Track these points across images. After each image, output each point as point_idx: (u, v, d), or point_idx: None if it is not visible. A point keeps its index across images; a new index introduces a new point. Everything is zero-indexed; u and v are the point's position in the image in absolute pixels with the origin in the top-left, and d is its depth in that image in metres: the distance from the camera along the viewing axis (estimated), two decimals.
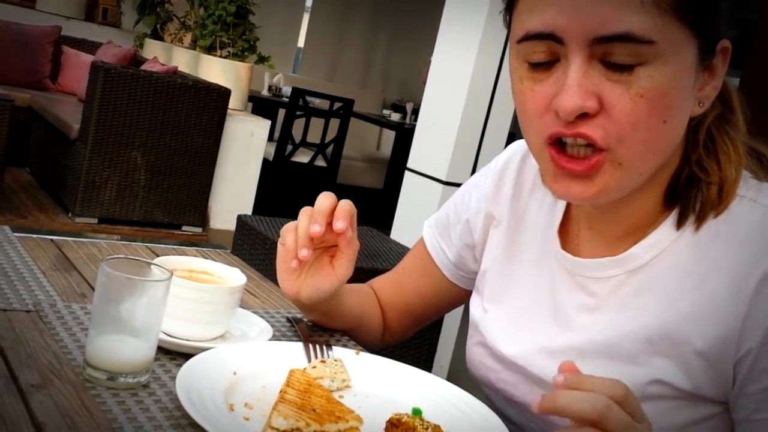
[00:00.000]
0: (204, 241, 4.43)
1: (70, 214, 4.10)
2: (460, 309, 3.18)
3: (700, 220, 0.81)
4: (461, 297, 1.12)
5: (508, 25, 0.81)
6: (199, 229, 4.43)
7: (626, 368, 0.82)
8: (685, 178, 0.83)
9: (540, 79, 0.76)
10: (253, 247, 2.58)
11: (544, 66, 0.76)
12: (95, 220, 4.10)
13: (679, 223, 0.82)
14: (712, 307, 0.78)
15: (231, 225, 3.24)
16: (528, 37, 0.75)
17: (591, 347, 0.86)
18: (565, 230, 0.93)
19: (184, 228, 4.38)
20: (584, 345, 0.86)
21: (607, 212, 0.87)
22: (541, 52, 0.75)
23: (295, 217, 0.98)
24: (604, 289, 0.87)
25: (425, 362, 2.65)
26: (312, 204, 0.96)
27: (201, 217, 4.42)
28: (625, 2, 0.70)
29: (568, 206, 0.94)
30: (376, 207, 6.10)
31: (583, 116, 0.74)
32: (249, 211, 4.58)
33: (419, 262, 1.13)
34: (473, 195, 1.06)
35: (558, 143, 0.77)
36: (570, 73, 0.73)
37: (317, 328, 1.10)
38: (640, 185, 0.82)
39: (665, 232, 0.83)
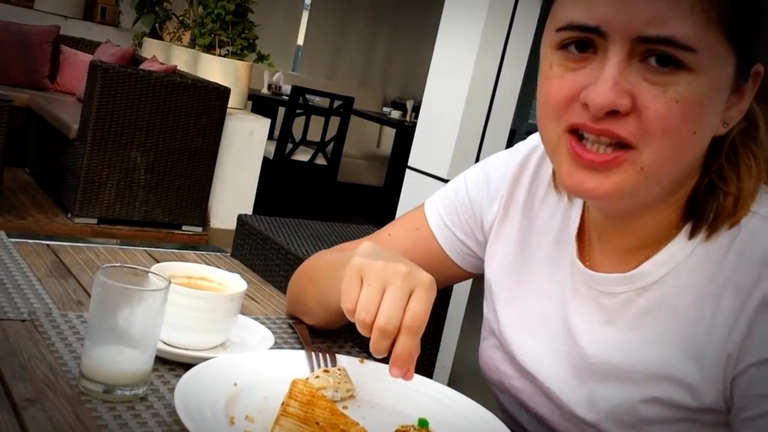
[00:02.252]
0: (204, 241, 4.41)
1: (69, 215, 4.08)
2: (463, 307, 3.16)
3: (712, 230, 0.79)
4: (458, 276, 1.07)
5: (546, 11, 0.79)
6: (199, 229, 4.41)
7: (636, 388, 0.80)
8: (705, 188, 0.80)
9: (573, 68, 0.74)
10: (253, 246, 2.56)
11: (581, 56, 0.74)
12: (95, 221, 4.07)
13: (693, 234, 0.80)
14: (721, 328, 0.76)
15: (231, 224, 3.22)
16: (571, 27, 0.73)
17: (601, 365, 0.84)
18: (579, 238, 0.91)
19: (184, 228, 4.36)
20: (595, 361, 0.84)
21: (618, 224, 0.85)
22: (581, 42, 0.73)
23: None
24: (614, 305, 0.84)
25: (427, 363, 2.63)
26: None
27: (201, 216, 4.40)
28: (674, 6, 0.69)
29: (583, 213, 0.91)
30: (377, 205, 6.08)
31: (613, 114, 0.71)
32: (249, 210, 4.56)
33: (414, 232, 1.05)
34: (493, 177, 1.00)
35: (577, 134, 0.75)
36: (607, 68, 0.71)
37: (319, 333, 1.08)
38: (656, 200, 0.79)
39: (678, 246, 0.80)
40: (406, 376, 0.80)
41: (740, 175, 0.79)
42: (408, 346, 0.78)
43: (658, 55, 0.70)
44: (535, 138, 0.99)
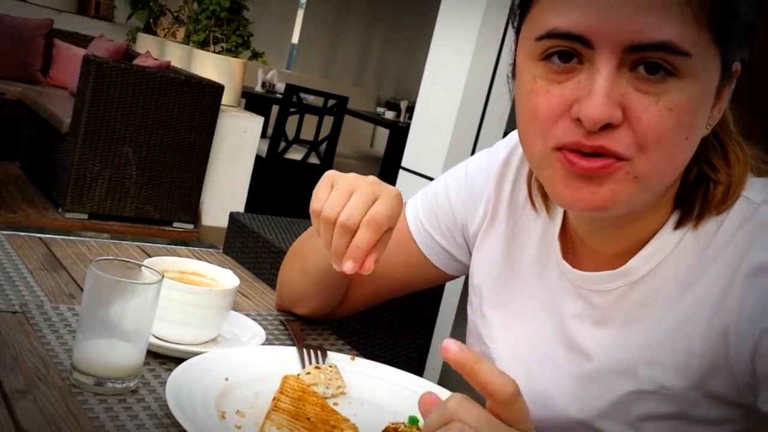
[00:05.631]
0: (196, 238, 4.41)
1: (60, 210, 4.07)
2: (454, 309, 3.17)
3: (700, 218, 0.78)
4: (439, 278, 1.06)
5: (522, 17, 0.75)
6: (190, 226, 4.39)
7: (629, 382, 0.79)
8: (694, 178, 0.79)
9: (558, 80, 0.70)
10: (245, 244, 2.56)
11: (565, 67, 0.70)
12: (85, 216, 4.06)
13: (680, 224, 0.79)
14: (707, 306, 0.75)
15: (223, 222, 3.22)
16: (552, 35, 0.69)
17: (597, 363, 0.82)
18: (563, 237, 0.89)
19: (175, 224, 4.35)
20: (591, 361, 0.83)
21: (604, 232, 0.83)
22: (563, 52, 0.70)
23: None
24: (606, 302, 0.83)
25: (417, 364, 2.63)
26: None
27: (193, 213, 4.39)
28: (665, 11, 0.66)
29: (565, 214, 0.89)
30: None
31: (606, 127, 0.68)
32: (241, 208, 4.55)
33: (394, 233, 1.00)
34: (476, 181, 0.99)
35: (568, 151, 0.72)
36: (598, 80, 0.67)
37: (311, 330, 1.08)
38: (647, 206, 0.78)
39: (665, 238, 0.79)
40: (362, 269, 0.83)
41: (729, 162, 0.79)
42: (365, 238, 0.82)
43: (647, 62, 0.68)
44: (516, 135, 0.95)
